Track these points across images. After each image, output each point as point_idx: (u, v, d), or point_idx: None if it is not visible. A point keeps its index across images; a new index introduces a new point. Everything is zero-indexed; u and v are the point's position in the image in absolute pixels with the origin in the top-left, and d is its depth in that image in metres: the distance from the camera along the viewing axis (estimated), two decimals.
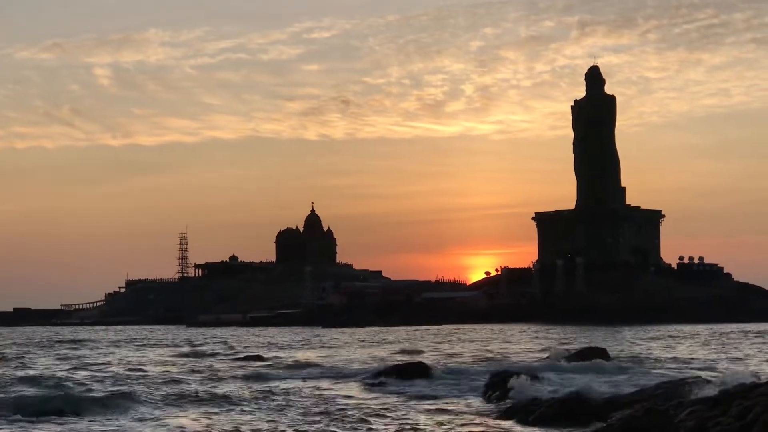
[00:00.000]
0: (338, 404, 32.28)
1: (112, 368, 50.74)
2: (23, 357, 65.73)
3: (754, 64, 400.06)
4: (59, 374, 44.69)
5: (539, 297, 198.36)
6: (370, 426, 26.87)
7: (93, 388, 37.46)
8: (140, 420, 28.62)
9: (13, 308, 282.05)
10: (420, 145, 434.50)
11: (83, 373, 47.03)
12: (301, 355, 65.62)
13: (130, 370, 49.25)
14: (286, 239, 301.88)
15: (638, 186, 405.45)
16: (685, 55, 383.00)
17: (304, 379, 42.75)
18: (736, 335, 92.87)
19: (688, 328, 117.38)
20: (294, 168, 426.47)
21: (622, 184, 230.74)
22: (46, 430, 26.98)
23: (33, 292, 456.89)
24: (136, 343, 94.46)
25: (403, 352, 67.75)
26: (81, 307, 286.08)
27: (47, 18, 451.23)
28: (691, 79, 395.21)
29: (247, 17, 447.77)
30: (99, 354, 71.63)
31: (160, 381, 41.08)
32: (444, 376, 41.98)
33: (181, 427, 27.01)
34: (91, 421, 28.56)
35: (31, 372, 47.50)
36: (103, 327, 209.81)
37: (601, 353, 53.31)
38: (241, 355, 64.49)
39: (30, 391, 35.58)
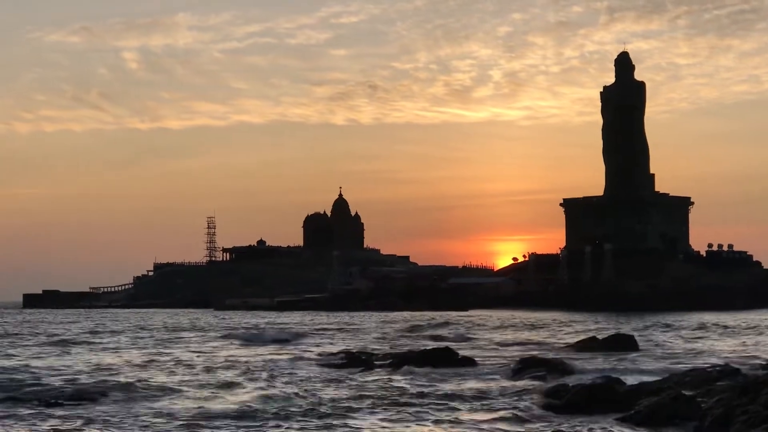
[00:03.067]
0: None
1: None
2: None
3: None
4: None
5: (567, 283, 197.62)
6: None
7: None
8: None
9: (42, 290, 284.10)
10: (448, 131, 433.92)
11: None
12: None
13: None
14: (313, 224, 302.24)
15: (667, 173, 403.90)
16: (715, 41, 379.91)
17: None
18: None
19: (716, 316, 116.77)
20: (322, 152, 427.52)
21: (651, 171, 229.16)
22: None
23: (61, 275, 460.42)
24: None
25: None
26: (109, 290, 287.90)
27: (76, 1, 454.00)
28: (721, 66, 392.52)
29: (275, 1, 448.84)
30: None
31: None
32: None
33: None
34: None
35: None
36: (134, 310, 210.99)
37: (629, 340, 53.33)
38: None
39: None
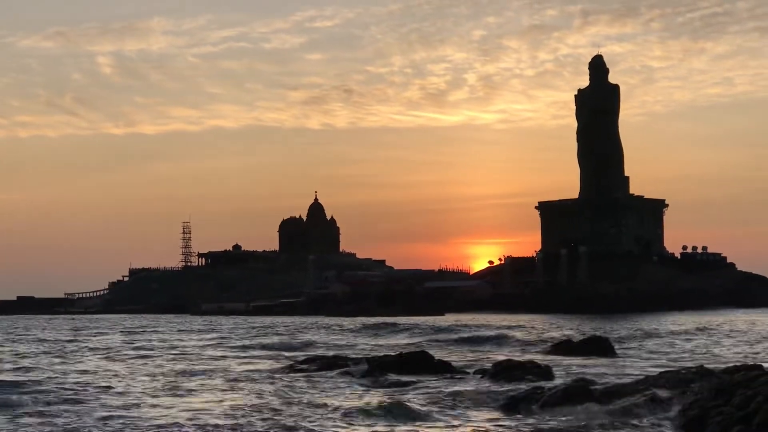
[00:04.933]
0: None
1: None
2: None
3: (758, 53, 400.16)
4: None
5: (542, 286, 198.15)
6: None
7: None
8: None
9: (17, 297, 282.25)
10: (423, 135, 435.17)
11: None
12: None
13: None
14: (289, 228, 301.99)
15: (642, 175, 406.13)
16: (688, 44, 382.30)
17: None
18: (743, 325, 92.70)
19: (691, 318, 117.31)
20: (297, 157, 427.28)
21: (626, 174, 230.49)
22: None
23: (36, 281, 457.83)
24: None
25: None
26: (85, 295, 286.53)
27: (50, 6, 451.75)
28: (694, 68, 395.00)
29: (250, 6, 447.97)
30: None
31: None
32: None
33: None
34: None
35: None
36: (109, 315, 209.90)
37: (604, 343, 53.47)
38: None
39: None
